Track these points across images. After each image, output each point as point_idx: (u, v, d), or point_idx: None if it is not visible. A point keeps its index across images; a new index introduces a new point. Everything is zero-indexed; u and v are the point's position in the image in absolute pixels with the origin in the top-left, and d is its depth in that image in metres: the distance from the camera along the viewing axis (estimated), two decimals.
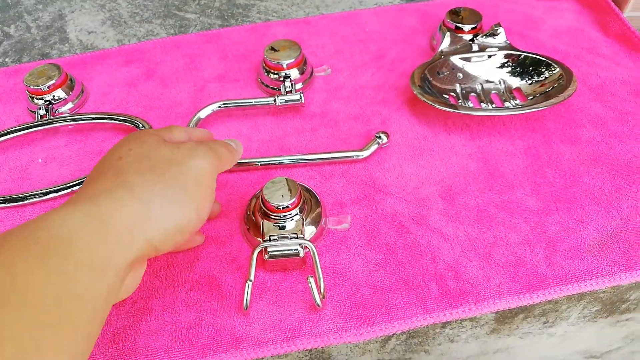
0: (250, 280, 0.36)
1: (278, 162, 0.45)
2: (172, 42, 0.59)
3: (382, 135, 0.45)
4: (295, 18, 0.62)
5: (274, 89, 0.52)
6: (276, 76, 0.51)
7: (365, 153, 0.45)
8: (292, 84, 0.51)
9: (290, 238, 0.38)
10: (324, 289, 0.36)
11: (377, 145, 0.45)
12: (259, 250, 0.38)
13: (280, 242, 0.38)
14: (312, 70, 0.54)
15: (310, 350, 0.37)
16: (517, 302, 0.36)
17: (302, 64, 0.52)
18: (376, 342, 0.39)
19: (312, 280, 0.35)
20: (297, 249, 0.37)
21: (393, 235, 0.40)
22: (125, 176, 0.32)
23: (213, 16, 0.64)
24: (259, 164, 0.45)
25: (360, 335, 0.35)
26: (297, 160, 0.45)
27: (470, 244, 0.39)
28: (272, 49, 0.52)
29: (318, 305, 0.35)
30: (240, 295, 0.38)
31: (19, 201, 0.45)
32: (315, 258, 0.37)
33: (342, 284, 0.38)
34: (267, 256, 0.38)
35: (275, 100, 0.49)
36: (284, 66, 0.51)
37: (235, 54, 0.57)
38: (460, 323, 0.39)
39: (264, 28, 0.60)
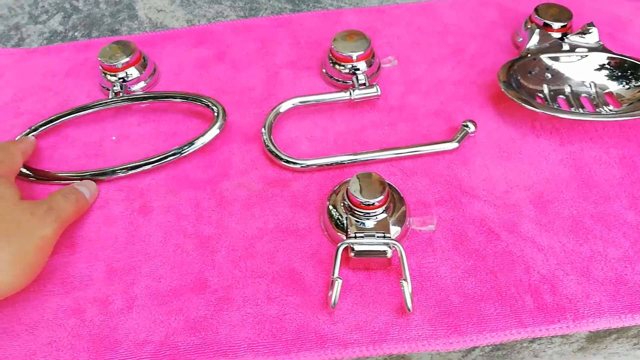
0: (340, 279, 0.34)
1: (361, 159, 0.43)
2: (243, 25, 0.58)
3: (470, 124, 0.43)
4: (368, 6, 0.60)
5: (338, 80, 0.50)
6: (343, 68, 0.49)
7: (456, 144, 0.43)
8: (365, 77, 0.49)
9: (377, 237, 0.36)
10: (411, 292, 0.35)
11: (466, 135, 0.43)
12: (344, 246, 0.36)
13: (366, 239, 0.36)
14: (380, 62, 0.51)
15: (391, 355, 0.36)
16: (617, 323, 0.34)
17: (370, 56, 0.50)
18: (459, 352, 0.37)
19: (405, 284, 0.34)
20: (384, 249, 0.36)
21: (482, 241, 0.38)
22: None
23: (284, 0, 0.62)
24: (346, 161, 0.44)
25: (450, 345, 0.34)
26: (382, 155, 0.43)
27: (566, 257, 0.37)
28: (340, 39, 0.49)
29: (409, 310, 0.34)
30: (323, 291, 0.37)
31: (96, 177, 0.44)
32: (403, 260, 0.35)
33: (430, 289, 0.36)
34: (353, 254, 0.36)
35: (350, 94, 0.47)
36: (354, 58, 0.49)
37: (307, 40, 0.56)
38: (550, 339, 0.37)
39: (337, 15, 0.58)
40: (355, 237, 0.37)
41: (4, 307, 0.38)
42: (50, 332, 0.36)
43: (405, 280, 0.34)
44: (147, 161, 0.44)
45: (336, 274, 0.35)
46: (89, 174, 0.44)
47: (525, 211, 0.40)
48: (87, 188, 0.42)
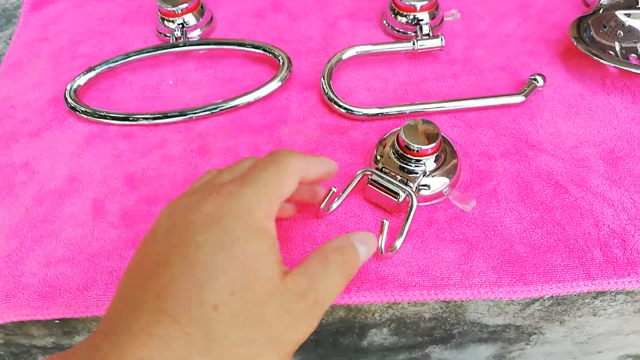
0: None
1: (422, 109, 0.42)
2: None
3: (539, 78, 0.42)
4: None
5: (399, 32, 0.49)
6: (405, 19, 0.48)
7: (522, 97, 0.41)
8: (430, 27, 0.48)
9: (399, 181, 0.35)
10: (400, 244, 0.34)
11: (534, 88, 0.42)
12: (364, 172, 0.37)
13: (388, 177, 0.36)
14: (443, 14, 0.50)
15: (448, 302, 0.36)
16: None
17: (434, 8, 0.48)
18: (518, 304, 0.37)
19: (386, 224, 0.34)
20: (397, 191, 0.35)
21: (549, 194, 0.37)
22: (222, 343, 0.22)
23: None
24: (408, 111, 0.42)
25: (514, 293, 0.33)
26: (443, 107, 0.42)
27: (637, 213, 0.36)
28: None
29: (380, 252, 0.34)
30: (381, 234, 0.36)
31: (153, 119, 0.44)
32: (411, 211, 0.35)
33: (494, 238, 0.35)
34: (368, 184, 0.36)
35: (414, 44, 0.46)
36: (417, 8, 0.47)
37: None
38: (614, 296, 0.36)
39: None
40: (382, 170, 0.36)
41: (65, 237, 0.38)
42: (111, 262, 0.37)
43: (388, 220, 0.34)
44: (206, 108, 0.44)
45: (346, 192, 0.37)
46: (147, 116, 0.44)
47: (595, 166, 0.38)
48: (366, 246, 0.29)
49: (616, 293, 0.35)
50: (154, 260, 0.25)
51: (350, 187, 0.37)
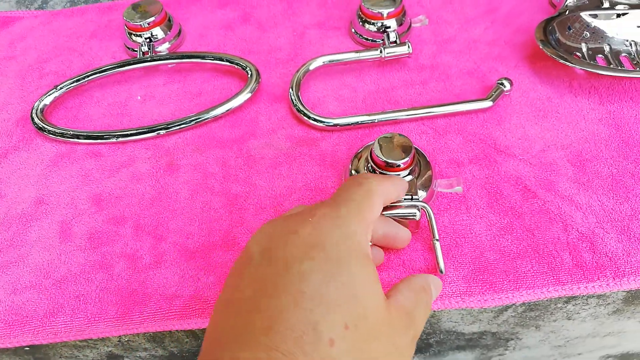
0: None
1: (392, 118, 0.42)
2: None
3: (505, 82, 0.42)
4: None
5: (367, 39, 0.49)
6: (372, 26, 0.48)
7: (490, 102, 0.41)
8: (397, 35, 0.48)
9: (405, 199, 0.35)
10: (443, 264, 0.34)
11: (501, 93, 0.42)
12: None
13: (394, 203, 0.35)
14: (410, 21, 0.50)
15: None
16: None
17: (401, 15, 0.48)
18: (491, 311, 0.36)
19: (437, 244, 0.33)
20: (413, 212, 0.34)
21: (518, 199, 0.37)
22: None
23: None
24: (377, 120, 0.42)
25: (485, 302, 0.33)
26: (412, 114, 0.42)
27: (606, 215, 0.36)
28: None
29: (441, 272, 0.33)
30: None
31: (122, 137, 0.44)
32: (432, 221, 0.34)
33: (464, 247, 0.35)
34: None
35: (381, 52, 0.46)
36: (384, 15, 0.47)
37: (335, 0, 0.54)
38: (586, 300, 0.36)
39: None
40: None
41: (32, 262, 0.38)
42: (78, 286, 0.36)
43: (437, 240, 0.33)
44: (176, 123, 0.44)
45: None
46: (116, 134, 0.44)
47: (563, 170, 0.38)
48: (436, 288, 0.31)
49: (588, 297, 0.35)
50: (253, 289, 0.23)
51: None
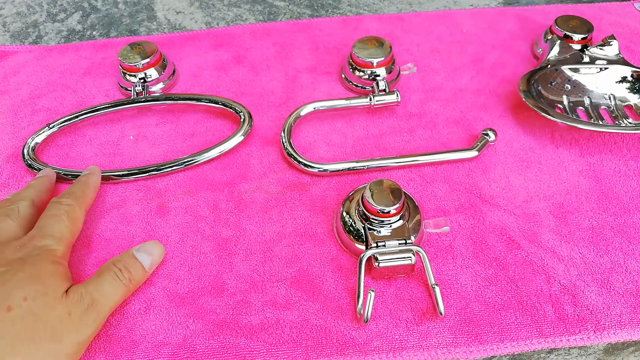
0: (372, 291, 0.34)
1: (381, 165, 0.43)
2: (262, 29, 0.58)
3: (490, 133, 0.43)
4: (387, 13, 0.60)
5: (357, 86, 0.50)
6: (362, 74, 0.49)
7: (475, 152, 0.43)
8: (386, 83, 0.49)
9: (399, 244, 0.36)
10: (443, 308, 0.34)
11: (486, 143, 0.43)
12: (367, 257, 0.36)
13: (388, 248, 0.36)
14: (399, 68, 0.52)
15: None
16: (639, 335, 0.34)
17: (390, 63, 0.50)
18: None
19: (437, 288, 0.34)
20: (409, 256, 0.35)
21: (502, 250, 0.38)
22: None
23: (303, 5, 0.62)
24: (366, 167, 0.43)
25: (470, 353, 0.34)
26: (401, 162, 0.43)
27: (586, 268, 0.37)
28: (361, 44, 0.49)
29: (441, 314, 0.34)
30: (342, 297, 0.36)
31: (113, 178, 0.44)
32: (427, 265, 0.35)
33: (450, 297, 0.36)
34: (377, 264, 0.36)
35: (371, 100, 0.47)
36: (374, 64, 0.49)
37: (327, 46, 0.56)
38: (568, 350, 0.37)
39: (356, 21, 0.58)
40: (377, 246, 0.36)
41: None
42: None
43: (437, 285, 0.34)
44: (168, 165, 0.44)
45: (362, 286, 0.35)
46: (106, 174, 0.44)
47: (545, 221, 0.40)
48: (148, 255, 0.37)
49: (570, 348, 0.36)
50: None
51: (363, 278, 0.35)
